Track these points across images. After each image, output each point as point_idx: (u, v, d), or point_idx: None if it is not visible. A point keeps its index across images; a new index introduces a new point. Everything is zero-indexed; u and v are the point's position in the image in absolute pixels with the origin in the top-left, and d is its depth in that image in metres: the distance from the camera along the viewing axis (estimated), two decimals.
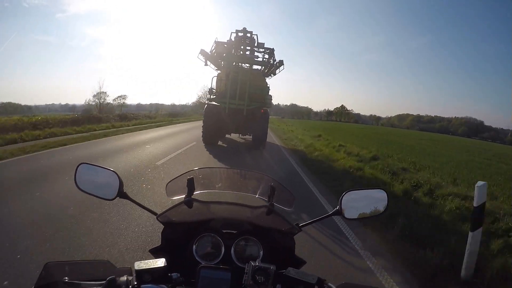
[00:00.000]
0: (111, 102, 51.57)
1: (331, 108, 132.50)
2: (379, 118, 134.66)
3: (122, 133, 13.67)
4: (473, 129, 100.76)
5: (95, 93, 50.15)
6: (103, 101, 50.88)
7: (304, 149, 12.76)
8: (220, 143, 12.24)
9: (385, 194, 1.08)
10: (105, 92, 52.11)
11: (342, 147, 12.83)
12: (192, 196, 0.99)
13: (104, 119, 18.92)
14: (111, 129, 15.06)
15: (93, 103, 49.70)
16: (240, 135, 13.22)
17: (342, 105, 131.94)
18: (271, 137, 16.07)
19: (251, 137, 11.99)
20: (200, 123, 11.65)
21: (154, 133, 15.16)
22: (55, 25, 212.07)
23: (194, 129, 16.80)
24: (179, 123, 26.67)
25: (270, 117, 13.16)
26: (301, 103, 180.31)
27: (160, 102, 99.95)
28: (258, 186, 1.15)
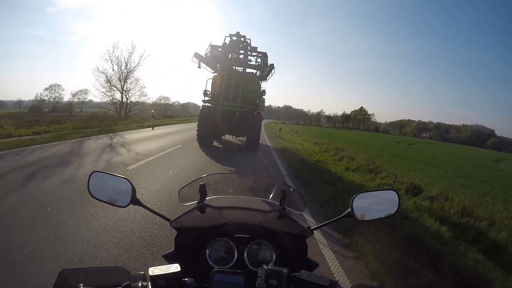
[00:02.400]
0: (71, 98, 42.54)
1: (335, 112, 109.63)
2: (402, 126, 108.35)
3: None
4: (504, 142, 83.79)
5: (48, 86, 42.76)
6: (58, 97, 41.91)
7: None
8: (216, 144, 12.56)
9: (396, 195, 1.07)
10: (60, 85, 43.84)
11: None
12: (205, 202, 1.00)
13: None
14: None
15: (46, 98, 42.15)
16: (234, 136, 13.52)
17: (362, 107, 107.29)
18: None
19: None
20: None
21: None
22: (45, 20, 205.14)
23: None
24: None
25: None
26: (295, 105, 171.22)
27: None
28: (269, 191, 1.17)
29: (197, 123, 11.41)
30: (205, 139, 11.36)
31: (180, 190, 1.13)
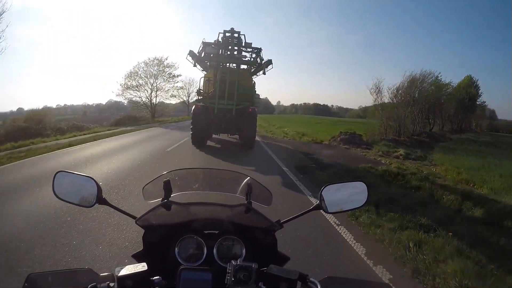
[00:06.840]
0: None
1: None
2: None
3: None
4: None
5: None
6: None
7: None
8: (212, 143, 12.17)
9: (365, 186, 1.07)
10: None
11: None
12: (170, 198, 0.98)
13: None
14: None
15: None
16: (229, 134, 13.19)
17: (469, 76, 43.08)
18: None
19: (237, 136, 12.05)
20: None
21: None
22: None
23: None
24: None
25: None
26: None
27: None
28: (235, 185, 1.15)
29: (191, 123, 11.04)
30: (200, 140, 11.00)
31: (144, 187, 1.10)
